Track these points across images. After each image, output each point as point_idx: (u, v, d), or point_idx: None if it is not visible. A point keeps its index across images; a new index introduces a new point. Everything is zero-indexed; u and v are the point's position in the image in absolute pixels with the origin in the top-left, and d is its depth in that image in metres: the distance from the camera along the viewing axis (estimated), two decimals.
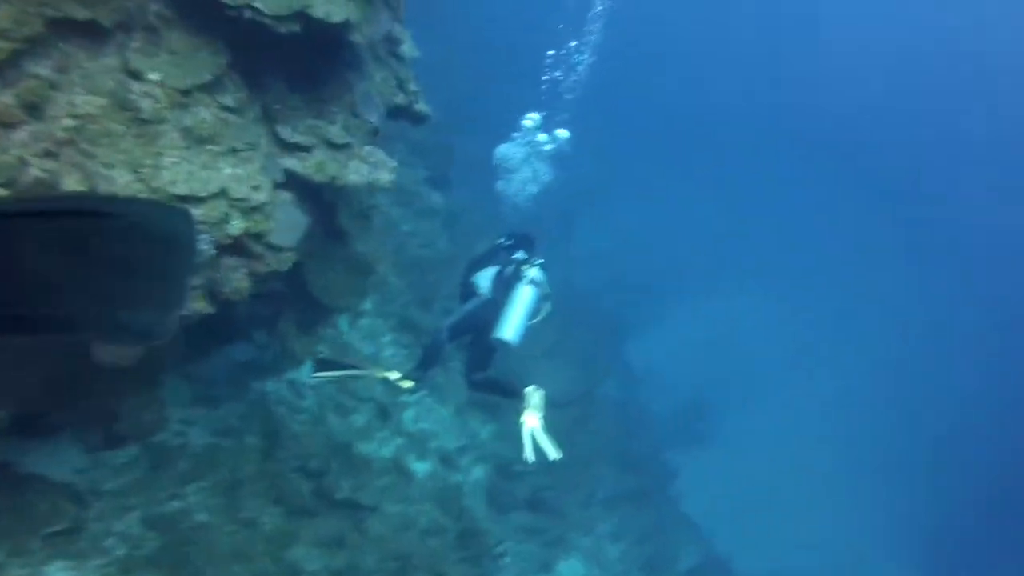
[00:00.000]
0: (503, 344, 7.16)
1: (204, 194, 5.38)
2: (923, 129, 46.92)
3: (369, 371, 7.21)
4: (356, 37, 6.81)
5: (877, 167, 46.51)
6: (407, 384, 6.92)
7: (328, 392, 11.55)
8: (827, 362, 32.04)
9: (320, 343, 10.73)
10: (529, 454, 6.60)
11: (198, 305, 5.55)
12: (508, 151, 9.54)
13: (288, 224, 6.15)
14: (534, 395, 6.85)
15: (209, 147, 5.64)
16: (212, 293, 5.71)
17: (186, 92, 5.66)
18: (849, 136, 45.18)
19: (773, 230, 38.21)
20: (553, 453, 6.53)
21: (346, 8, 6.22)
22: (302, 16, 5.93)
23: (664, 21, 39.64)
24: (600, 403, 18.20)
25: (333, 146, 6.56)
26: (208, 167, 5.54)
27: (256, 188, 5.71)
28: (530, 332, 7.40)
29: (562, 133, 9.70)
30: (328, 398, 11.52)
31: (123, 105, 5.34)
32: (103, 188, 5.07)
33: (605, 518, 15.94)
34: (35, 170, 4.92)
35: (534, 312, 7.38)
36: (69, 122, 5.13)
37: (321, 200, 7.47)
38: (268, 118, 6.33)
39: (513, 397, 6.98)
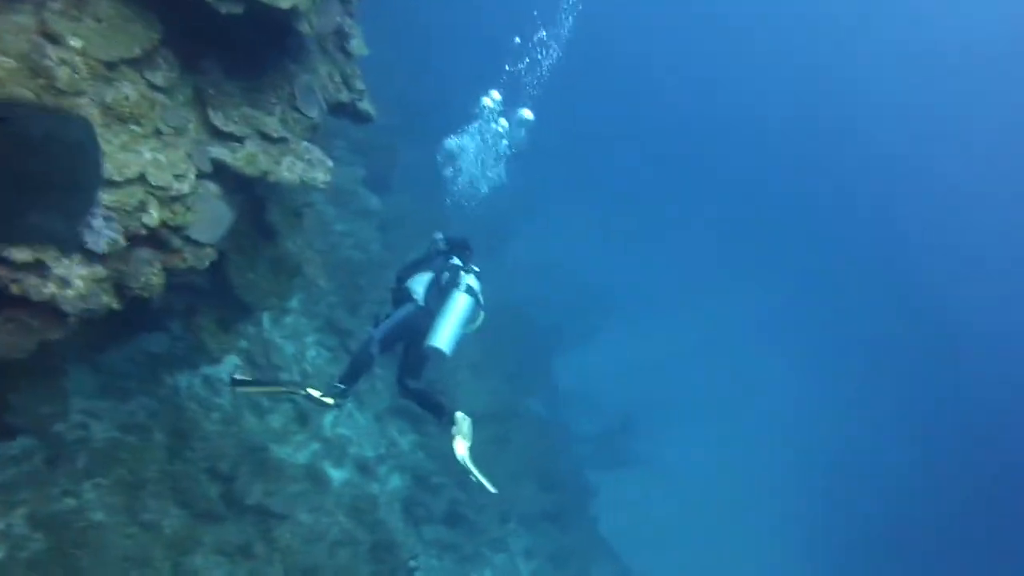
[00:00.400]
0: (437, 353, 6.80)
1: (119, 178, 4.86)
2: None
3: (290, 388, 6.81)
4: (303, 26, 6.36)
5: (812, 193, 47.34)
6: (329, 401, 6.50)
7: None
8: (755, 383, 32.25)
9: (239, 340, 10.20)
10: (484, 480, 6.30)
11: (104, 299, 5.00)
12: (460, 143, 9.00)
13: (211, 218, 5.63)
14: (463, 423, 6.53)
15: (131, 128, 5.13)
16: (120, 287, 5.17)
17: (111, 65, 5.12)
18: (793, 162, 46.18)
19: (707, 250, 38.55)
20: (490, 487, 6.22)
21: None
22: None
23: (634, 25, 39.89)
24: (524, 419, 17.86)
25: (268, 139, 6.07)
26: (127, 149, 5.03)
27: (179, 176, 5.20)
28: (462, 342, 7.07)
29: (526, 114, 9.15)
30: (245, 397, 10.96)
31: (36, 71, 4.80)
32: None
33: (521, 535, 15.59)
34: None
35: (468, 321, 7.07)
36: None
37: (251, 193, 6.99)
38: (200, 102, 5.83)
39: (440, 417, 6.65)
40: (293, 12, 5.84)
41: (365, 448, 12.44)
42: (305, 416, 11.50)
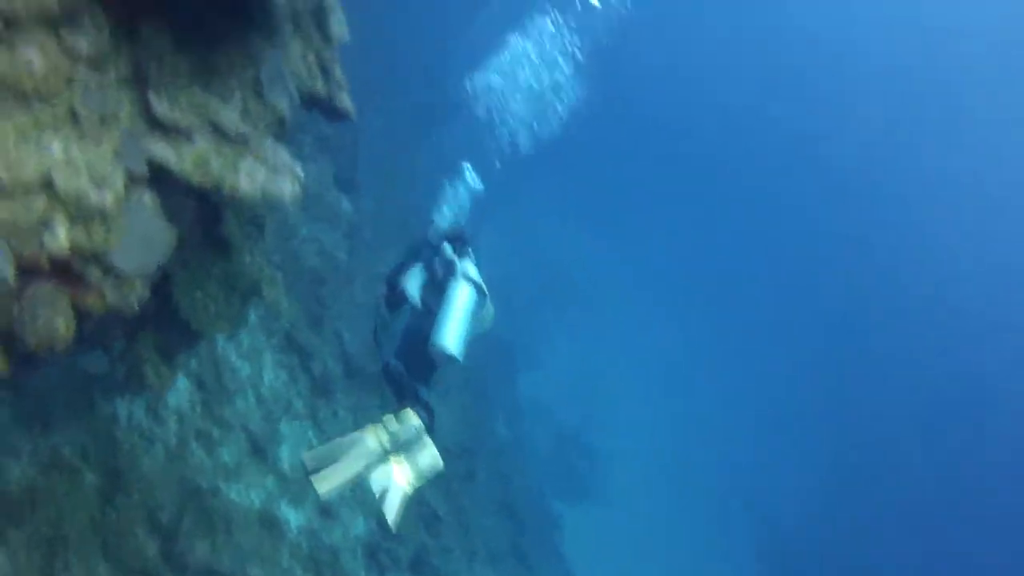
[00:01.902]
0: (445, 357, 5.86)
1: (10, 182, 3.25)
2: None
3: (364, 434, 5.75)
4: None
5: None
6: (415, 421, 5.77)
7: (192, 419, 9.40)
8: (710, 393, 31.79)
9: (177, 373, 8.58)
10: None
11: None
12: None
13: (144, 240, 3.96)
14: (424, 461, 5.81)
15: (35, 108, 3.52)
16: (9, 340, 3.54)
17: (10, 21, 3.52)
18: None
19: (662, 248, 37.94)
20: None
21: None
22: None
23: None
24: (488, 446, 16.35)
25: (223, 135, 4.45)
26: (27, 139, 3.41)
27: (101, 181, 3.57)
28: (473, 342, 6.06)
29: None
30: (191, 426, 9.36)
31: None
32: None
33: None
34: None
35: (474, 315, 6.02)
36: None
37: (202, 196, 5.38)
38: (138, 81, 4.22)
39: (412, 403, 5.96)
40: None
41: None
42: (261, 448, 9.90)
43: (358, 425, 5.91)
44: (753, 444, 31.13)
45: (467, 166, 7.06)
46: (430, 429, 5.94)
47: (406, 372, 6.15)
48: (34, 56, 3.55)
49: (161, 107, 4.22)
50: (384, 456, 5.68)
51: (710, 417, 31.07)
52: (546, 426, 22.43)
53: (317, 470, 5.57)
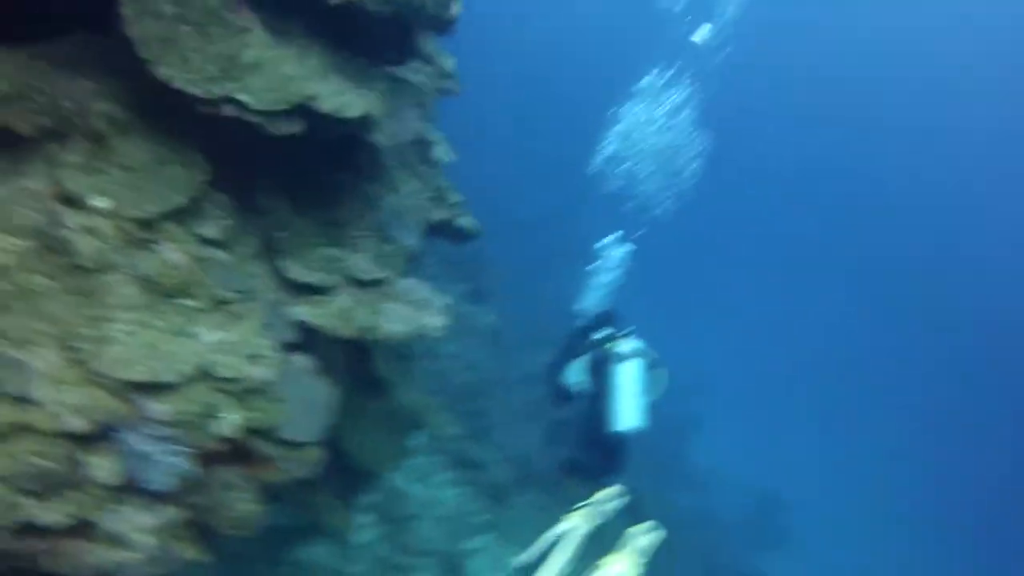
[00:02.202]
0: (624, 435, 6.01)
1: (173, 378, 3.38)
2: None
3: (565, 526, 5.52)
4: (379, 138, 4.97)
5: None
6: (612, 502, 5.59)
7: (381, 553, 9.44)
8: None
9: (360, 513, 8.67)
10: None
11: (184, 553, 3.46)
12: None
13: (308, 405, 4.06)
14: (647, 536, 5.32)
15: (181, 302, 3.68)
16: (205, 529, 3.63)
17: (146, 223, 3.71)
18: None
19: None
20: None
21: (364, 100, 4.32)
22: (304, 112, 4.03)
23: None
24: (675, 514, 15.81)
25: (360, 283, 4.56)
26: (180, 333, 3.56)
27: (254, 358, 3.69)
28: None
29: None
30: (381, 560, 9.39)
31: (51, 246, 3.44)
32: (16, 380, 3.13)
33: None
34: None
35: (647, 387, 6.13)
36: None
37: (352, 344, 5.49)
38: (268, 251, 4.38)
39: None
40: (364, 122, 4.39)
41: None
42: (455, 566, 9.85)
43: (541, 526, 5.80)
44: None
45: (609, 238, 7.05)
46: (635, 507, 5.83)
47: (590, 464, 6.13)
48: (173, 254, 3.73)
49: (295, 271, 4.37)
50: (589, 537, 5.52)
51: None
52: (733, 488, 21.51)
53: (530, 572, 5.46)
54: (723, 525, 18.88)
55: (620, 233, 7.49)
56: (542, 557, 5.51)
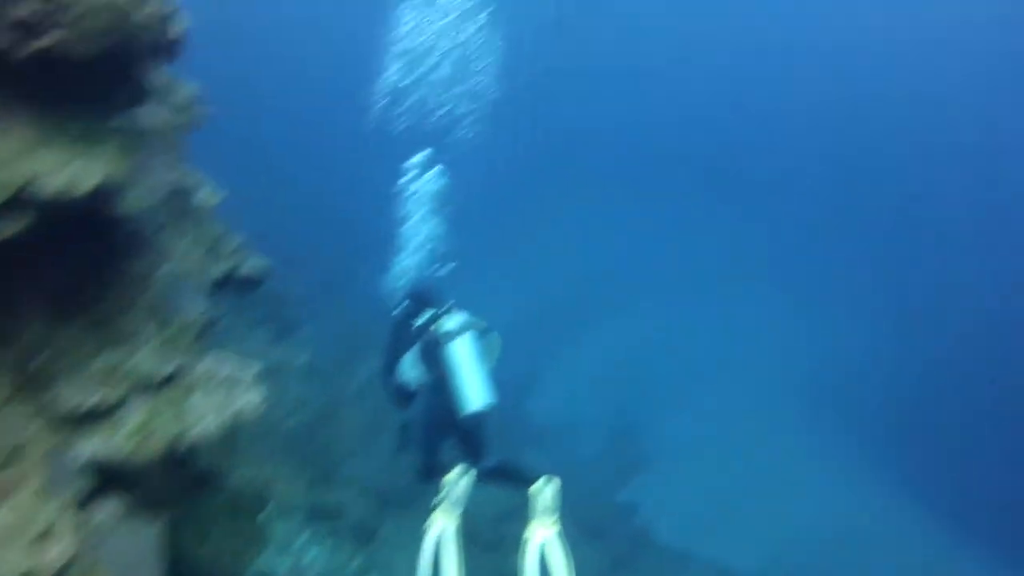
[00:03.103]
0: (478, 417, 5.62)
1: None
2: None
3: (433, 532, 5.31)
4: (129, 203, 4.04)
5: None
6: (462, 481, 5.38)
7: None
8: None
9: None
10: None
11: None
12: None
13: (130, 558, 3.15)
14: (544, 490, 5.43)
15: None
16: None
17: None
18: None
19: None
20: None
21: (98, 165, 3.44)
22: (28, 199, 3.11)
23: None
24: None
25: (151, 386, 3.67)
26: None
27: (43, 537, 2.76)
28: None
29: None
30: None
31: None
32: None
33: None
34: None
35: (483, 359, 5.79)
36: None
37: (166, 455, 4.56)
38: (28, 385, 3.40)
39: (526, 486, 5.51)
40: (105, 191, 3.51)
41: None
42: None
43: (417, 546, 5.38)
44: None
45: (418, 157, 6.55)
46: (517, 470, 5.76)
47: (452, 457, 5.72)
48: None
49: (69, 398, 3.43)
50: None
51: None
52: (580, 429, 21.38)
53: None
54: (586, 466, 18.84)
55: (429, 151, 6.92)
56: (436, 572, 5.26)
